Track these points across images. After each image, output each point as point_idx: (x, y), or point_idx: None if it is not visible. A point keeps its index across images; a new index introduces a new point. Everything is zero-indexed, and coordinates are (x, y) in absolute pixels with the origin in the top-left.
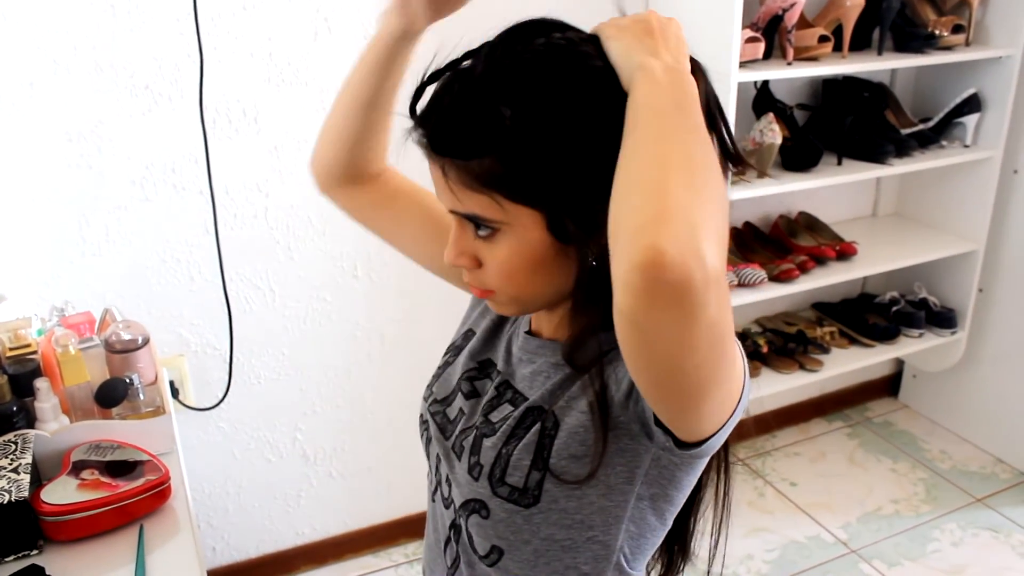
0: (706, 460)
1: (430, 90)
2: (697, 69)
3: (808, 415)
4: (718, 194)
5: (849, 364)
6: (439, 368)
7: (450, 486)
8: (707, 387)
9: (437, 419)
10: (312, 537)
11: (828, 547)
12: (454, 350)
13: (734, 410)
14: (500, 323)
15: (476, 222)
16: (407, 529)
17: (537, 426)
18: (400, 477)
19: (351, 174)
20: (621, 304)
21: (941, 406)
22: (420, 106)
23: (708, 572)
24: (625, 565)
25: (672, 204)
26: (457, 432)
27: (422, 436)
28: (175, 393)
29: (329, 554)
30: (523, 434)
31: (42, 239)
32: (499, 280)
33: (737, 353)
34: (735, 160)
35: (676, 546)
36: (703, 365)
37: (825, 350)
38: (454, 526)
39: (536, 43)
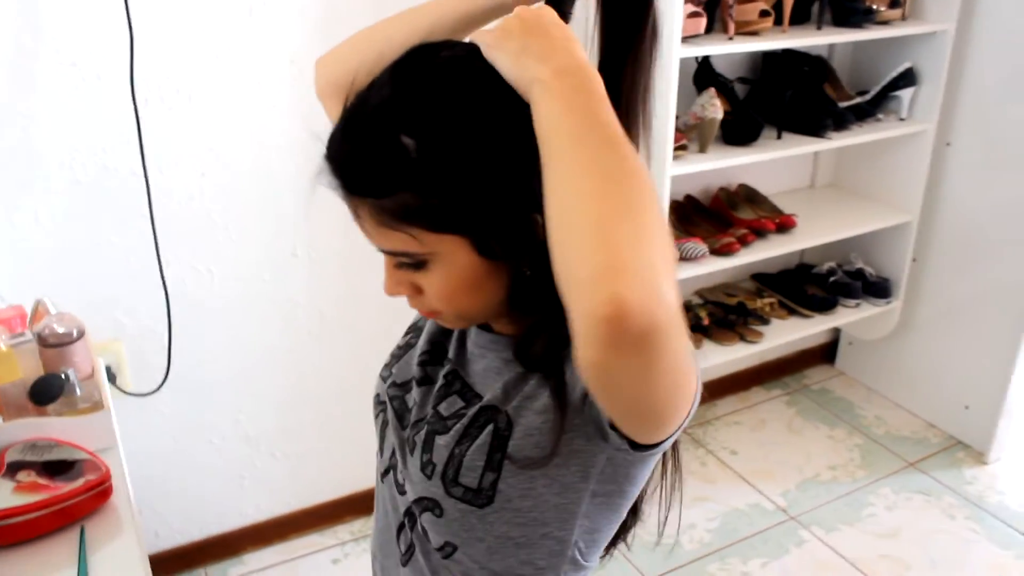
0: (667, 447)
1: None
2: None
3: (748, 384)
4: (654, 213)
5: (788, 335)
6: (399, 348)
7: (404, 475)
8: (671, 408)
9: (395, 404)
10: (257, 518)
11: (768, 514)
12: (415, 330)
13: (690, 409)
14: None
15: (402, 256)
16: (352, 507)
17: (490, 427)
18: (344, 455)
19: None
20: (586, 356)
21: (876, 373)
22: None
23: (659, 537)
24: (580, 558)
25: (621, 247)
26: (411, 423)
27: (376, 417)
28: (112, 379)
29: (274, 534)
30: (476, 434)
31: None
32: (440, 303)
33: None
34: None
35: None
36: (668, 393)
37: (765, 321)
38: (408, 514)
39: (426, 66)
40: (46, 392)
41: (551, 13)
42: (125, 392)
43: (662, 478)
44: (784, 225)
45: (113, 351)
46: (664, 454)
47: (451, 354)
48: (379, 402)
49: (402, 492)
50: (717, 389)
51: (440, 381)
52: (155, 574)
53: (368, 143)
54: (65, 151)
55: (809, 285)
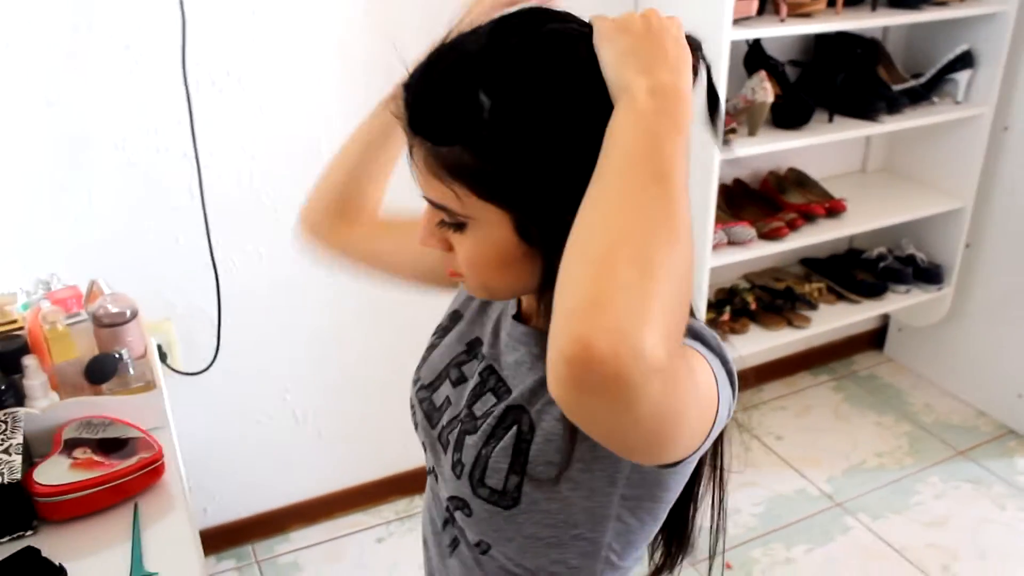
0: (695, 462)
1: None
2: (699, 59)
3: (794, 369)
4: (677, 268)
5: (836, 320)
6: (426, 350)
7: (440, 473)
8: (661, 447)
9: (424, 406)
10: (302, 496)
11: (814, 500)
12: (440, 331)
13: (711, 427)
14: (488, 301)
15: (442, 211)
16: (397, 487)
17: (514, 429)
18: (389, 436)
19: (346, 211)
20: (551, 390)
21: (926, 360)
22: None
23: (710, 567)
24: (615, 559)
25: (614, 287)
26: (444, 423)
27: (412, 421)
28: (163, 358)
29: (320, 513)
30: (502, 435)
31: (23, 208)
32: (466, 269)
33: (702, 383)
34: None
35: (674, 540)
36: (650, 436)
37: (813, 306)
38: (448, 510)
39: (531, 32)
40: (101, 371)
41: (678, 28)
42: (176, 371)
43: (711, 503)
44: (834, 210)
45: (164, 331)
46: (712, 482)
47: (486, 349)
48: (411, 407)
49: (439, 494)
50: (763, 374)
51: (475, 379)
52: (204, 550)
53: (445, 87)
54: (118, 133)
55: (859, 270)
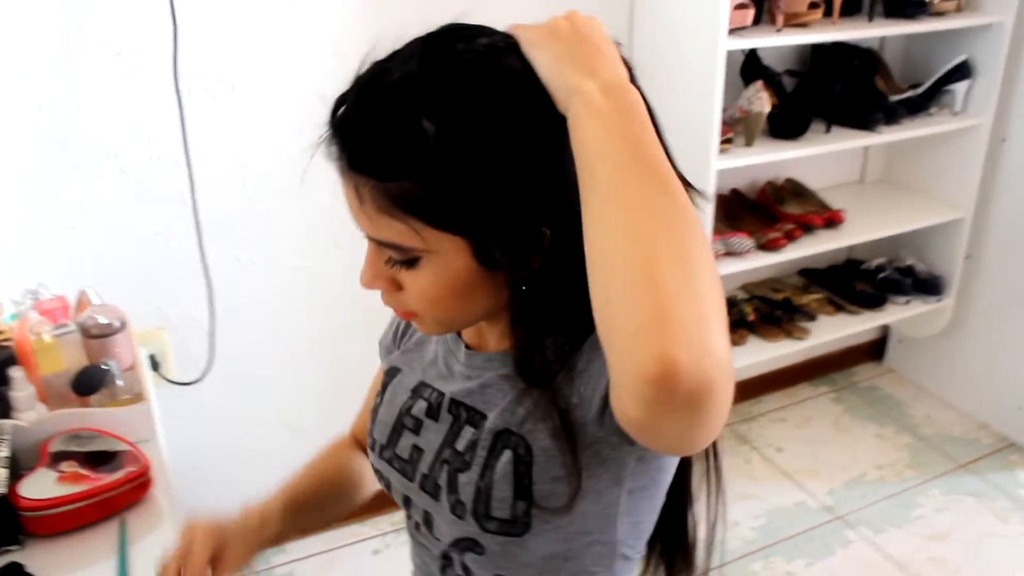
0: None
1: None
2: (629, 69)
3: (794, 379)
4: (707, 257)
5: (836, 332)
6: (372, 413)
7: (431, 524)
8: (719, 430)
9: (395, 464)
10: None
11: (814, 513)
12: (381, 391)
13: None
14: (423, 342)
15: (394, 249)
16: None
17: (509, 454)
18: None
19: None
20: (629, 414)
21: (926, 371)
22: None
23: (707, 570)
24: (628, 552)
25: (670, 297)
26: (424, 471)
27: (381, 483)
28: (156, 367)
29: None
30: (495, 463)
31: (12, 215)
32: (421, 305)
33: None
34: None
35: (677, 554)
36: (712, 434)
37: (812, 317)
38: (445, 557)
39: (461, 49)
40: (88, 383)
41: (601, 26)
42: (168, 380)
43: (706, 503)
44: (832, 220)
45: (157, 340)
46: (707, 483)
47: (439, 386)
48: (375, 471)
49: (436, 538)
50: (762, 385)
51: (446, 418)
52: None
53: (383, 119)
54: (110, 141)
55: (858, 281)
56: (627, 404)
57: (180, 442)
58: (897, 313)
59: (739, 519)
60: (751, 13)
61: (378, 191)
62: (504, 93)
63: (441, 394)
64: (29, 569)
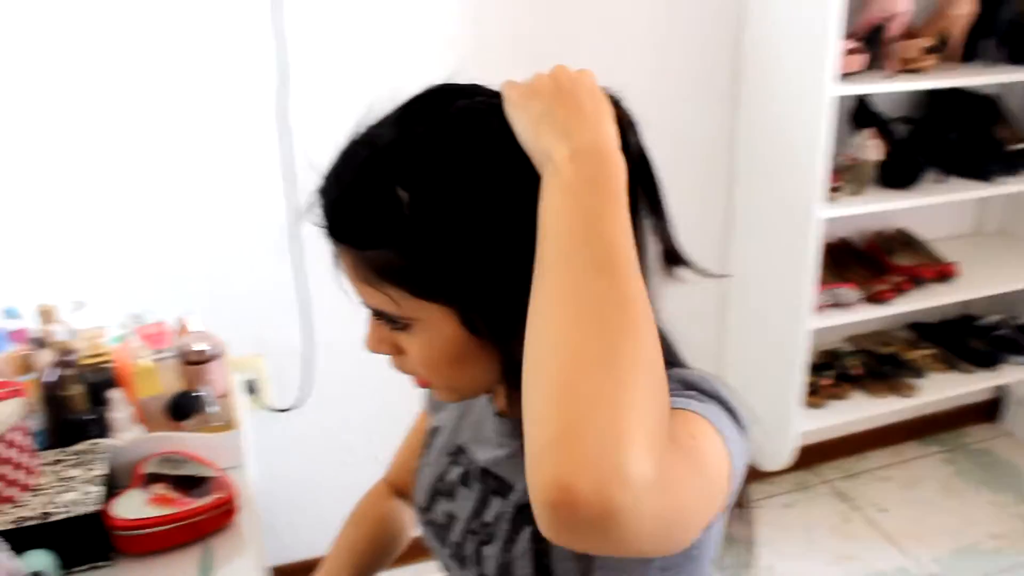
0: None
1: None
2: (626, 124)
3: (902, 437)
4: (644, 359)
5: (946, 391)
6: (416, 473)
7: None
8: (676, 539)
9: (431, 530)
10: None
11: None
12: (425, 451)
13: (728, 491)
14: (464, 405)
15: (384, 316)
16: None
17: (528, 531)
18: None
19: None
20: (541, 528)
21: None
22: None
23: None
24: None
25: (581, 414)
26: (455, 539)
27: (428, 546)
28: (253, 392)
29: (408, 554)
30: (517, 538)
31: (123, 241)
32: (424, 371)
33: (707, 456)
34: (672, 259)
35: None
36: (657, 544)
37: (920, 374)
38: None
39: (438, 114)
40: (182, 408)
41: (591, 80)
42: (265, 407)
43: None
44: (944, 274)
45: (255, 367)
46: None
47: (474, 453)
48: (421, 533)
49: None
50: (866, 441)
51: (477, 487)
52: None
53: (359, 189)
54: (219, 169)
55: (972, 338)
56: (539, 524)
57: (272, 468)
58: (1014, 374)
59: None
60: (863, 58)
61: (359, 260)
62: (480, 158)
63: (473, 462)
64: None
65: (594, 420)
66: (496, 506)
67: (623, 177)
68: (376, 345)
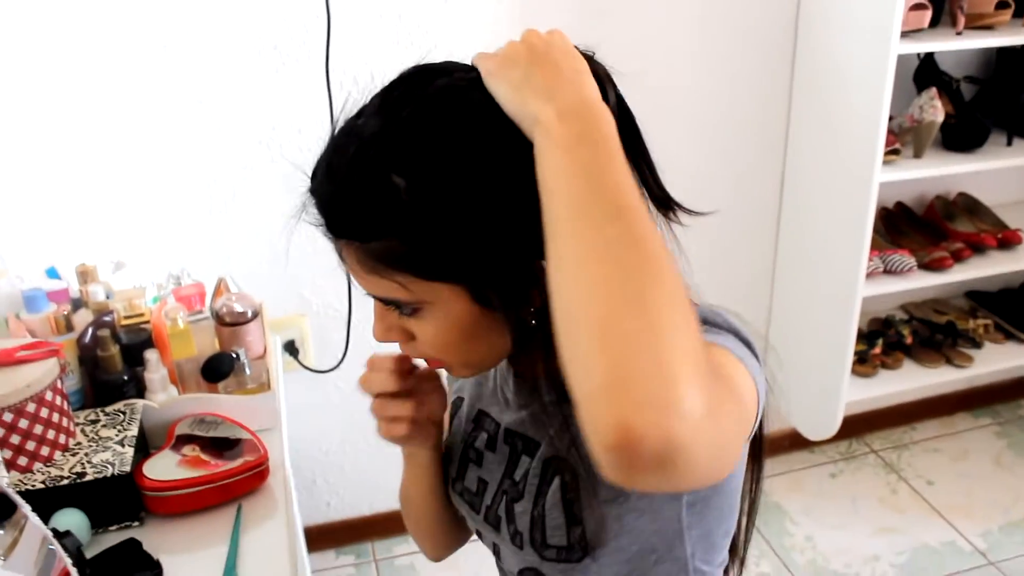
0: (749, 443)
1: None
2: (603, 78)
3: (953, 408)
4: (673, 297)
5: (1003, 362)
6: (445, 446)
7: (499, 555)
8: (723, 469)
9: (465, 497)
10: None
11: (964, 556)
12: (451, 421)
13: (756, 418)
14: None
15: (392, 303)
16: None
17: (557, 480)
18: None
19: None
20: (603, 472)
21: None
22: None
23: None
24: (704, 567)
25: (627, 353)
26: (488, 502)
27: (462, 516)
28: (295, 353)
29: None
30: (547, 491)
31: (170, 201)
32: (437, 352)
33: (741, 387)
34: (661, 203)
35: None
36: (714, 470)
37: (977, 344)
38: None
39: (420, 96)
40: (217, 370)
41: (562, 38)
42: (306, 367)
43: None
44: (1007, 241)
45: (298, 326)
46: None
47: (497, 416)
48: (456, 505)
49: (506, 570)
50: (917, 411)
51: (504, 449)
52: (325, 544)
53: (354, 182)
54: (264, 130)
55: None
56: (600, 468)
57: (315, 427)
58: None
59: (880, 553)
60: (928, 14)
61: (362, 252)
62: (469, 134)
63: (498, 425)
64: (146, 547)
65: (641, 360)
66: (525, 464)
67: (613, 127)
68: (385, 334)
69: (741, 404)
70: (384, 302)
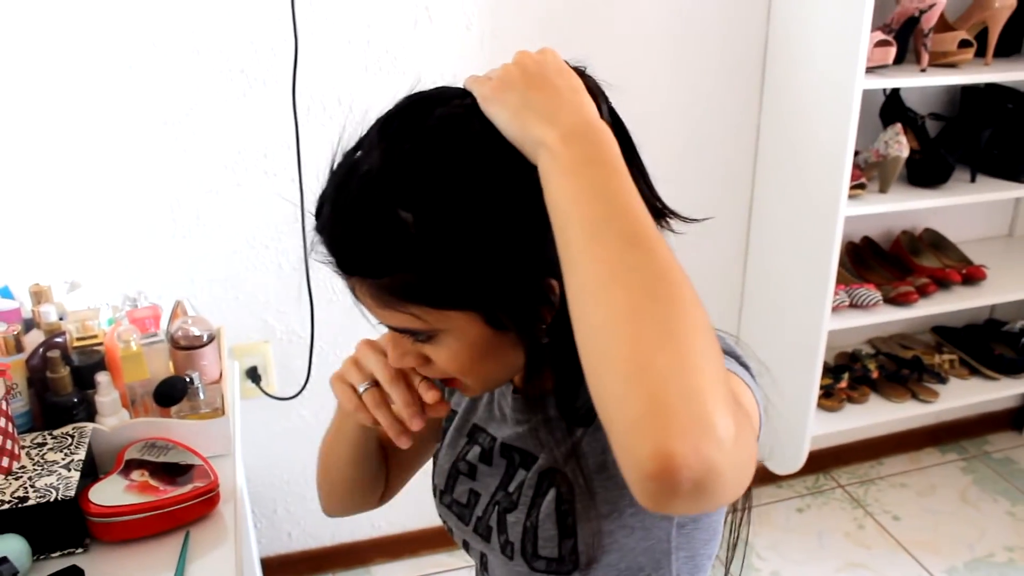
0: None
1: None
2: (596, 93)
3: (919, 443)
4: (697, 322)
5: (968, 397)
6: (433, 457)
7: (487, 567)
8: (743, 488)
9: (454, 509)
10: (388, 531)
11: None
12: (442, 435)
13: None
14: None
15: (408, 332)
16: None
17: (552, 492)
18: None
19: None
20: (641, 501)
21: None
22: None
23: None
24: None
25: (660, 384)
26: (479, 514)
27: (447, 530)
28: (258, 380)
29: (404, 549)
30: (541, 502)
31: (133, 223)
32: (456, 373)
33: (749, 408)
34: (657, 213)
35: None
36: (738, 489)
37: (942, 380)
38: None
39: (419, 128)
40: (169, 394)
41: (555, 58)
42: (268, 394)
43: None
44: (971, 276)
45: (261, 352)
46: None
47: (492, 430)
48: (440, 519)
49: None
50: (883, 447)
51: (500, 462)
52: (285, 574)
53: (362, 220)
54: (229, 154)
55: (997, 344)
56: (637, 496)
57: (277, 455)
58: None
59: None
60: (892, 51)
61: (374, 288)
62: (472, 163)
63: (493, 439)
64: (89, 575)
65: (674, 388)
66: (520, 476)
67: (616, 145)
68: (401, 360)
69: (753, 428)
70: (401, 332)
